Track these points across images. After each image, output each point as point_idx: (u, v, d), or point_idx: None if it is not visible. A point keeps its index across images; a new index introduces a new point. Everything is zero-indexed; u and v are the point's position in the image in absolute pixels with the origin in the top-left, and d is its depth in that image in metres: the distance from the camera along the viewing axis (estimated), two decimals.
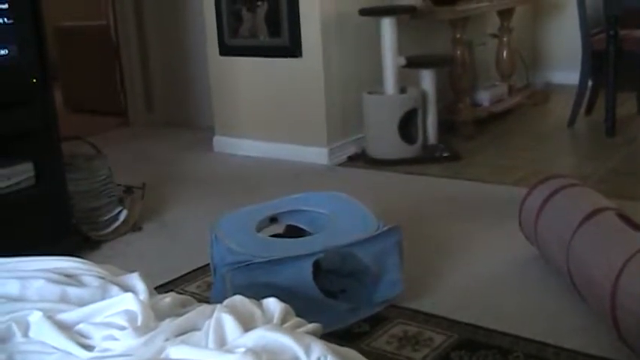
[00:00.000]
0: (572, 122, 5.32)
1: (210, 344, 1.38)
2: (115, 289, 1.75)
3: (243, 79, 4.92)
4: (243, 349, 1.28)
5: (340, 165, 4.64)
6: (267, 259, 2.52)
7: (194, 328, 1.53)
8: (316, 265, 2.60)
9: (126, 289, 1.75)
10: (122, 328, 1.53)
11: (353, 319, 2.60)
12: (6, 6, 3.03)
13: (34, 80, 3.14)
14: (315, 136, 4.66)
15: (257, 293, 1.74)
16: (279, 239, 2.88)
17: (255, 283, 2.47)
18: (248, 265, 2.51)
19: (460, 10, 5.02)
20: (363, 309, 2.65)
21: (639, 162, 4.54)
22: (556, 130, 5.33)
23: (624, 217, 2.63)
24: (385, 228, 2.71)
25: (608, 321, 2.33)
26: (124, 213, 3.64)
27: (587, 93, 5.41)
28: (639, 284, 2.23)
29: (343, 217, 2.87)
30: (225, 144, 5.08)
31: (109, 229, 3.59)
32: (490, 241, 3.27)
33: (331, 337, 1.77)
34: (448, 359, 2.34)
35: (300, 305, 1.95)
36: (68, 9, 7.04)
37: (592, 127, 5.37)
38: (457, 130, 5.10)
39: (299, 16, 4.55)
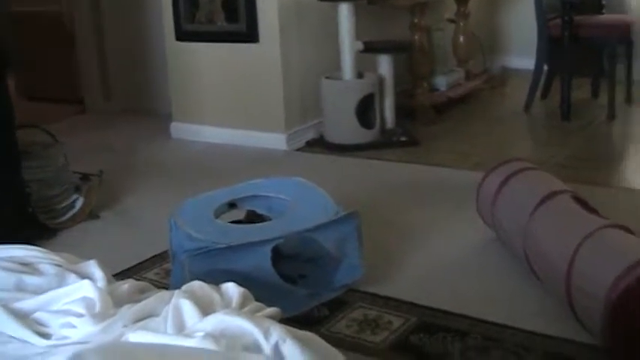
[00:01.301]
0: (528, 107, 5.38)
1: (169, 329, 1.38)
2: (72, 276, 1.73)
3: (201, 65, 4.88)
4: (202, 334, 1.27)
5: (299, 150, 4.64)
6: (225, 246, 2.51)
7: (152, 314, 1.52)
8: (276, 251, 2.60)
9: (83, 276, 1.73)
10: (80, 316, 1.52)
11: (313, 303, 2.61)
12: None
13: None
14: (274, 121, 4.65)
15: (216, 280, 1.74)
16: (238, 225, 2.87)
17: (214, 269, 2.46)
18: (206, 251, 2.50)
19: None
20: (322, 294, 2.65)
21: (594, 146, 4.61)
22: (513, 115, 5.38)
23: (579, 200, 2.67)
24: (344, 213, 2.72)
25: (564, 303, 2.37)
26: (81, 201, 3.61)
27: (543, 78, 5.47)
28: (594, 266, 2.27)
29: (302, 202, 2.88)
30: (183, 131, 5.05)
31: (66, 217, 3.55)
32: (449, 225, 3.30)
33: (291, 321, 1.77)
34: (407, 342, 2.36)
35: (260, 291, 1.95)
36: None
37: (548, 111, 5.43)
38: (415, 115, 5.12)
39: (256, 1, 4.53)
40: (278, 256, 2.65)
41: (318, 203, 2.85)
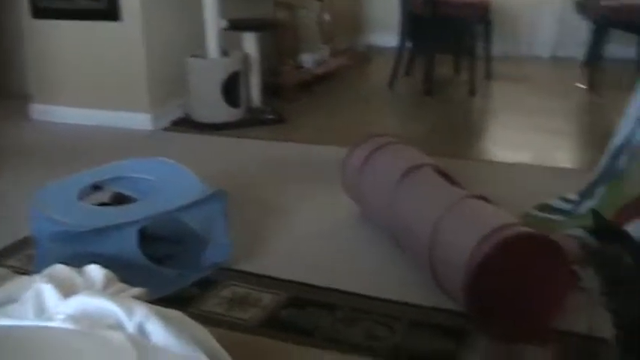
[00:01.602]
0: (392, 83, 5.48)
1: (29, 314, 1.33)
2: None
3: (61, 44, 4.72)
4: (62, 316, 1.24)
5: (165, 130, 4.56)
6: (90, 229, 2.45)
7: (13, 300, 1.47)
8: (143, 233, 2.56)
9: None
10: None
11: (182, 284, 2.58)
12: None
13: None
14: (138, 101, 4.56)
15: (81, 263, 1.70)
16: (103, 207, 2.81)
17: (78, 253, 2.40)
18: (71, 235, 2.43)
19: None
20: (191, 274, 2.63)
21: (455, 120, 4.75)
22: (377, 91, 5.47)
23: (441, 172, 2.74)
24: (210, 192, 2.70)
25: (428, 273, 2.43)
26: None
27: (407, 55, 5.58)
28: (455, 235, 2.34)
29: (169, 183, 2.84)
30: (43, 112, 4.87)
31: None
32: (316, 201, 3.33)
33: (160, 302, 1.75)
34: (277, 317, 2.37)
35: (128, 273, 1.91)
36: None
37: (411, 87, 5.55)
38: (281, 93, 5.13)
39: None
40: (145, 237, 2.60)
41: (184, 183, 2.82)
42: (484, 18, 5.47)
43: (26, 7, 4.71)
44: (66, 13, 4.61)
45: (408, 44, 5.55)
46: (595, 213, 2.00)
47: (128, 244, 2.47)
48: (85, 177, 2.91)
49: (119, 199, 2.93)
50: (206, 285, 2.58)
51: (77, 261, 2.03)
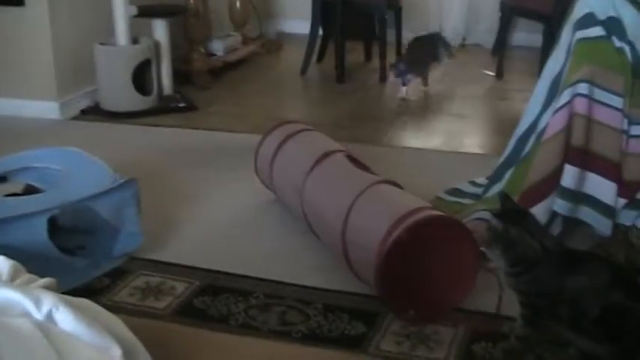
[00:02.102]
0: (304, 70, 5.49)
1: None
2: None
3: None
4: None
5: (73, 119, 4.47)
6: None
7: None
8: (53, 224, 2.51)
9: None
10: None
11: (93, 274, 2.54)
12: None
13: None
14: (44, 89, 4.45)
15: None
16: (10, 198, 2.74)
17: None
18: None
19: None
20: (102, 264, 2.60)
21: (366, 107, 4.80)
22: (289, 78, 5.48)
23: (352, 159, 2.77)
24: (121, 181, 2.67)
25: (341, 257, 2.46)
26: None
27: (318, 42, 5.60)
28: (366, 220, 2.38)
29: (78, 172, 2.79)
30: None
31: None
32: (228, 189, 3.32)
33: (71, 293, 1.72)
34: (191, 305, 2.36)
35: (38, 265, 1.88)
36: None
37: (323, 74, 5.57)
38: (192, 81, 5.09)
39: None
40: (55, 228, 2.56)
41: (94, 172, 2.78)
42: (394, 4, 5.53)
43: None
44: None
45: (320, 31, 5.57)
46: (502, 195, 2.05)
47: (38, 235, 2.42)
48: None
49: (29, 191, 2.86)
50: (118, 275, 2.55)
51: None
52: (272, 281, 2.50)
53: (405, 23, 5.80)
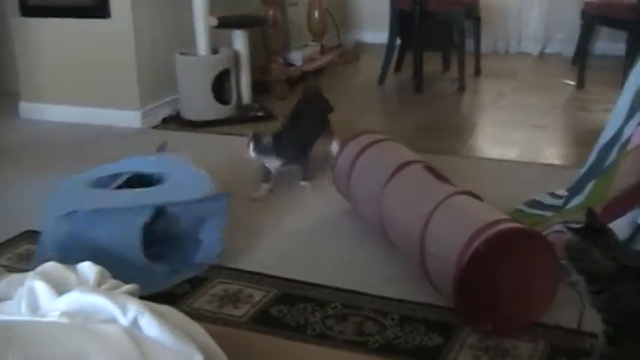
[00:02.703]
0: (382, 80, 5.49)
1: (23, 311, 1.34)
2: None
3: (50, 42, 4.71)
4: (57, 313, 1.25)
5: (154, 128, 4.56)
6: (96, 208, 2.47)
7: (6, 298, 1.48)
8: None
9: None
10: None
11: (173, 280, 2.59)
12: None
13: None
14: (127, 99, 4.56)
15: (80, 255, 1.70)
16: (112, 192, 2.80)
17: (80, 237, 2.42)
18: (77, 216, 2.43)
19: None
20: (183, 271, 2.64)
21: (445, 117, 4.76)
22: (367, 88, 5.48)
23: (431, 169, 2.76)
24: (213, 193, 2.71)
25: (419, 268, 2.45)
26: None
27: (396, 52, 5.60)
28: (445, 231, 2.36)
29: (178, 179, 2.85)
30: (33, 110, 4.86)
31: None
32: (306, 198, 3.33)
33: (152, 298, 1.76)
34: (268, 314, 2.38)
35: (120, 268, 1.93)
36: None
37: (401, 84, 5.57)
38: (270, 90, 5.14)
39: None
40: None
41: (194, 181, 2.83)
42: (473, 14, 5.49)
43: (15, 5, 4.70)
44: (55, 10, 4.60)
45: (398, 41, 5.56)
46: (589, 211, 2.00)
47: (130, 233, 2.49)
48: (98, 172, 2.90)
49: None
50: (197, 282, 2.59)
51: (77, 252, 2.07)
52: (349, 291, 2.50)
53: (484, 33, 5.75)
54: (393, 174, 2.73)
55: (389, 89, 5.50)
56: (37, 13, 4.66)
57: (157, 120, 4.64)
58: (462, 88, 5.22)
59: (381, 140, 3.08)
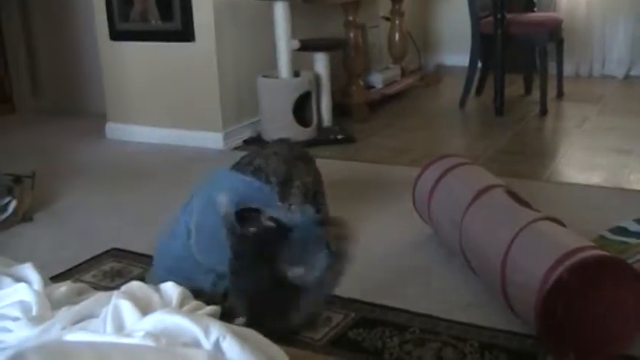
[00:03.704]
0: (463, 103, 5.46)
1: (108, 330, 1.37)
2: (7, 280, 1.70)
3: (136, 65, 4.84)
4: (141, 333, 1.27)
5: (236, 149, 4.62)
6: None
7: (91, 316, 1.51)
8: None
9: (19, 279, 1.70)
10: (16, 319, 1.49)
11: None
12: None
13: None
14: (210, 120, 4.64)
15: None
16: None
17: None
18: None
19: None
20: None
21: (526, 141, 4.70)
22: (448, 111, 5.46)
23: (512, 194, 2.72)
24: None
25: (499, 295, 2.41)
26: (13, 203, 3.54)
27: (477, 75, 5.56)
28: (527, 258, 2.32)
29: None
30: (118, 131, 5.00)
31: None
32: (386, 222, 3.33)
33: (229, 319, 1.78)
34: (346, 337, 2.38)
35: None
36: None
37: (482, 107, 5.52)
38: (351, 113, 5.16)
39: None
40: None
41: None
42: (555, 36, 5.42)
43: (105, 30, 4.85)
44: (142, 34, 4.73)
45: (479, 64, 5.52)
46: None
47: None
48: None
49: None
50: None
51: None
52: (427, 316, 2.48)
53: (567, 55, 5.67)
54: (475, 198, 2.70)
55: (470, 112, 5.46)
56: (124, 37, 4.80)
57: (239, 142, 4.71)
58: (544, 112, 5.15)
59: (461, 164, 3.06)
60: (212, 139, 4.62)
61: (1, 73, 6.08)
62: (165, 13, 4.63)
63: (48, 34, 5.90)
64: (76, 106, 5.82)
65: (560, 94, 5.59)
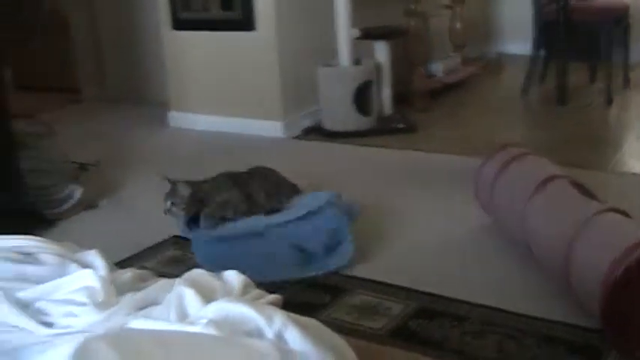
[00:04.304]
0: (525, 92, 5.38)
1: (172, 317, 1.38)
2: (73, 266, 1.74)
3: (197, 54, 4.88)
4: (204, 321, 1.28)
5: (296, 138, 4.64)
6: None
7: (155, 303, 1.53)
8: None
9: (85, 265, 1.74)
10: (82, 305, 1.52)
11: (301, 274, 2.70)
12: None
13: None
14: (271, 109, 4.66)
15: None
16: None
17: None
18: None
19: None
20: (313, 267, 2.73)
21: (590, 130, 4.61)
22: (509, 100, 5.39)
23: (577, 185, 2.68)
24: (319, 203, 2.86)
25: (563, 286, 2.38)
26: (79, 191, 3.61)
27: (540, 62, 5.47)
28: (592, 249, 2.28)
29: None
30: (180, 119, 5.05)
31: (65, 207, 3.55)
32: (446, 211, 3.31)
33: (291, 307, 1.78)
34: (406, 327, 2.37)
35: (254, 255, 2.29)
36: None
37: (545, 96, 5.43)
38: (412, 102, 5.13)
39: None
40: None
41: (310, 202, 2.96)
42: (622, 22, 5.29)
43: (167, 19, 4.90)
44: (203, 23, 4.77)
45: (542, 51, 5.43)
46: None
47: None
48: None
49: None
50: (336, 292, 2.61)
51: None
52: (488, 307, 2.45)
53: (634, 43, 5.53)
54: (538, 189, 2.67)
55: (532, 101, 5.39)
56: (186, 26, 4.85)
57: (299, 130, 4.72)
58: (609, 101, 5.04)
59: (524, 154, 3.02)
60: (272, 128, 4.64)
61: (68, 64, 6.20)
62: (227, 2, 4.66)
63: (112, 25, 5.98)
64: (139, 95, 5.89)
65: (626, 83, 5.47)
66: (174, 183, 3.11)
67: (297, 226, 2.84)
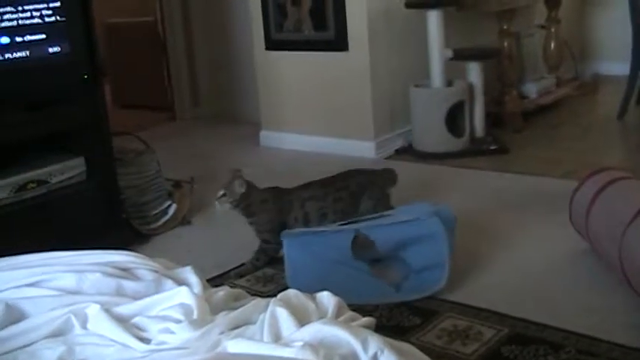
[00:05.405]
0: (622, 114, 5.24)
1: (266, 338, 1.39)
2: (169, 282, 1.77)
3: (290, 74, 4.93)
4: (300, 343, 1.28)
5: (387, 158, 4.62)
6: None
7: (248, 322, 1.54)
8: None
9: (180, 282, 1.76)
10: (178, 322, 1.54)
11: (393, 298, 2.68)
12: (58, 4, 3.08)
13: (85, 77, 3.19)
14: (362, 129, 4.66)
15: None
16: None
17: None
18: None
19: (507, 1, 4.97)
20: (406, 290, 2.70)
21: None
22: (605, 122, 5.26)
23: None
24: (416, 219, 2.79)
25: None
26: (173, 207, 3.68)
27: (638, 84, 5.33)
28: None
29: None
30: (272, 138, 5.10)
31: (159, 223, 3.63)
32: (540, 235, 3.24)
33: (382, 330, 1.77)
34: (499, 354, 2.32)
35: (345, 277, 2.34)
36: (116, 6, 7.10)
37: None
38: (505, 123, 5.06)
39: (345, 9, 4.55)
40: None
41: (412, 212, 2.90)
42: None
43: (261, 40, 4.97)
44: (296, 44, 4.82)
45: None
46: None
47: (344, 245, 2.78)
48: None
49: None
50: (426, 315, 2.59)
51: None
52: (585, 336, 2.39)
53: None
54: (637, 215, 2.58)
55: (629, 123, 5.24)
56: (279, 46, 4.90)
57: (391, 151, 4.71)
58: None
59: (622, 178, 2.94)
60: (364, 148, 4.64)
61: (164, 84, 6.35)
62: (319, 23, 4.69)
63: (207, 46, 6.11)
64: (232, 114, 5.99)
65: None
66: (234, 177, 3.16)
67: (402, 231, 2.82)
